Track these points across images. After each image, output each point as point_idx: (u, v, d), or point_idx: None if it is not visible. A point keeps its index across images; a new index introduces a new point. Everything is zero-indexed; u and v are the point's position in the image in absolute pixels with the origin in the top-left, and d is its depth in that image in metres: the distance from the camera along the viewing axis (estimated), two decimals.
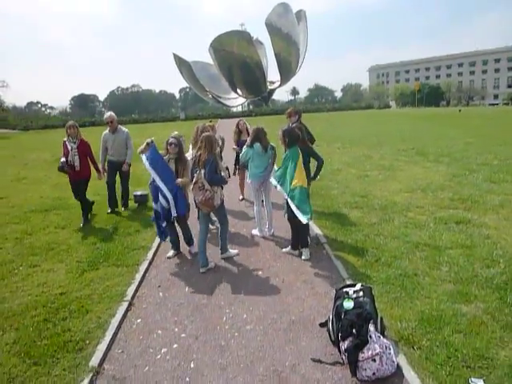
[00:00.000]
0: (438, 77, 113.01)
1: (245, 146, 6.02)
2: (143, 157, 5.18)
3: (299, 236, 5.44)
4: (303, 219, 4.93)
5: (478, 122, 27.44)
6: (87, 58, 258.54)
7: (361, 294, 3.37)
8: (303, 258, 5.29)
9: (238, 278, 4.89)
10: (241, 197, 8.70)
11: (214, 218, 6.99)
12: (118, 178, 8.04)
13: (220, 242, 5.49)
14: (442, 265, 4.83)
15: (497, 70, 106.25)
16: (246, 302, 4.29)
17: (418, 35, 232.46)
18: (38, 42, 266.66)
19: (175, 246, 5.70)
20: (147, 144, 5.18)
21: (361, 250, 5.37)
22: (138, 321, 4.05)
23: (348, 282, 4.44)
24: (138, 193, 8.29)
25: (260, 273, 5.00)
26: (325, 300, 4.22)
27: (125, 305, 4.29)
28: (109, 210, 7.82)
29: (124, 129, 7.99)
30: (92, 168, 7.35)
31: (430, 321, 3.65)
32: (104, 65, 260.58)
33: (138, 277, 4.95)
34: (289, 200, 5.11)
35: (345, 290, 3.47)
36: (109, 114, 7.97)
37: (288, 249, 5.55)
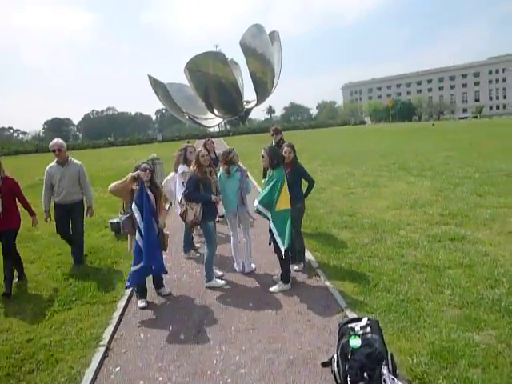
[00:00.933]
0: (408, 93, 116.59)
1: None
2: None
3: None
4: (282, 247, 4.65)
5: (451, 136, 28.02)
6: (62, 82, 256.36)
7: (368, 329, 3.01)
8: (271, 289, 4.90)
9: (227, 311, 4.46)
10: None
11: (197, 245, 6.60)
12: None
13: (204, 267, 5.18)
14: (443, 287, 4.54)
15: (464, 85, 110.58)
16: (237, 341, 3.86)
17: (389, 53, 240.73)
18: (13, 66, 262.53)
19: (144, 293, 4.86)
20: (133, 179, 4.55)
21: (356, 275, 5.04)
22: (117, 369, 3.57)
23: (347, 312, 4.12)
24: (115, 220, 7.79)
25: (251, 304, 4.59)
26: (324, 334, 3.84)
27: (101, 350, 3.80)
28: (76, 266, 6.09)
29: (76, 161, 6.29)
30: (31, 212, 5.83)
31: (442, 354, 3.32)
32: (79, 88, 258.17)
33: (116, 316, 4.46)
34: (271, 225, 4.79)
35: (350, 325, 3.11)
36: (55, 140, 6.19)
37: (276, 287, 4.93)
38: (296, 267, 5.36)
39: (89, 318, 4.46)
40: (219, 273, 5.57)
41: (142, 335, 4.10)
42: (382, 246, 6.01)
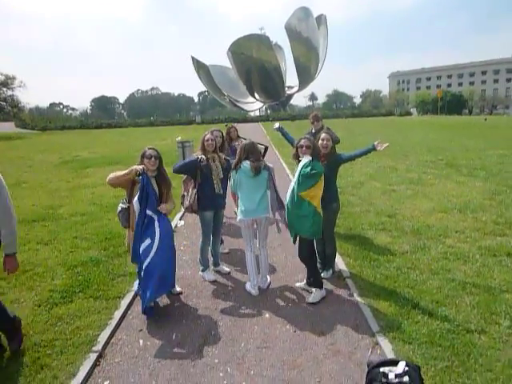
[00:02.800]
0: (460, 84, 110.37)
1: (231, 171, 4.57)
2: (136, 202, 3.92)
3: (321, 270, 4.49)
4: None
5: (506, 133, 25.89)
6: (110, 61, 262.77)
7: (406, 379, 2.35)
8: (309, 300, 4.25)
9: (237, 324, 3.90)
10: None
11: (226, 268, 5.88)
12: None
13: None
14: (499, 316, 3.77)
15: None
16: (246, 361, 3.31)
17: (443, 42, 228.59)
18: (64, 45, 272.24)
19: None
20: (137, 173, 3.88)
21: (393, 290, 4.34)
22: (106, 383, 3.12)
23: (379, 338, 3.45)
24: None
25: (267, 316, 4.02)
26: (349, 364, 3.21)
27: (92, 358, 3.36)
28: None
29: None
30: None
31: None
32: (125, 68, 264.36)
33: (118, 315, 4.02)
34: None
35: (382, 369, 2.46)
36: None
37: (314, 295, 4.32)
38: (324, 274, 4.72)
39: (88, 314, 4.04)
40: (226, 269, 5.10)
41: (141, 342, 3.64)
42: (425, 257, 5.23)
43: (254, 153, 4.36)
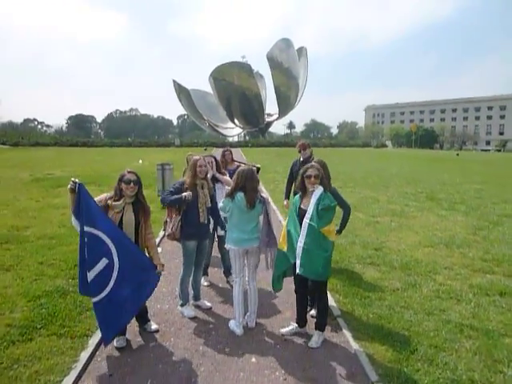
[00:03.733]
0: (432, 120, 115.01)
1: (223, 196, 4.20)
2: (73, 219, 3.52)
3: (310, 309, 4.14)
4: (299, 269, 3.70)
5: (478, 168, 26.74)
6: (88, 80, 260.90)
7: None
8: (311, 344, 3.86)
9: (220, 369, 3.48)
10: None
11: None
12: None
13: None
14: (502, 364, 3.52)
15: (489, 117, 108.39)
16: None
17: (416, 78, 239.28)
18: (43, 62, 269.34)
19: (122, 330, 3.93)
20: (71, 189, 3.40)
21: (388, 333, 4.04)
22: None
23: None
24: None
25: (253, 360, 3.63)
26: None
27: None
28: None
29: None
30: None
31: None
32: (104, 87, 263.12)
33: (84, 357, 3.54)
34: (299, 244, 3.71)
35: None
36: None
37: (289, 328, 4.11)
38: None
39: (50, 356, 3.55)
40: (208, 304, 4.70)
41: None
42: (417, 294, 4.99)
43: (252, 181, 4.00)
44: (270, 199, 4.43)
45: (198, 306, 4.69)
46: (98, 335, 3.89)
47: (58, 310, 4.35)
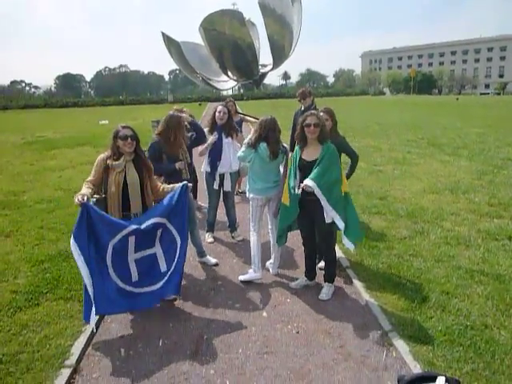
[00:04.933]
0: (430, 65, 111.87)
1: (244, 144, 4.07)
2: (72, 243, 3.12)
3: (319, 261, 4.07)
4: (349, 243, 3.63)
5: (479, 112, 26.25)
6: (72, 36, 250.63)
7: None
8: (321, 296, 3.82)
9: (232, 325, 3.46)
10: (238, 189, 7.29)
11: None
12: None
13: None
14: None
15: (489, 59, 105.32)
16: (246, 372, 2.88)
17: (414, 20, 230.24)
18: (27, 19, 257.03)
19: None
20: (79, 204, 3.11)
21: (398, 281, 4.00)
22: None
23: (394, 340, 3.09)
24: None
25: (265, 315, 3.60)
26: (363, 370, 2.84)
27: (66, 374, 2.85)
28: None
29: None
30: None
31: None
32: (90, 43, 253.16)
33: (94, 319, 3.50)
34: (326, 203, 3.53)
35: None
36: None
37: (298, 281, 4.09)
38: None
39: (59, 320, 3.50)
40: (213, 260, 4.66)
41: (122, 351, 3.15)
42: (425, 242, 4.93)
43: (275, 131, 3.92)
44: None
45: (203, 263, 4.64)
46: None
47: (63, 274, 4.28)
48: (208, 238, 5.28)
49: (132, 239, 3.34)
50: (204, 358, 3.04)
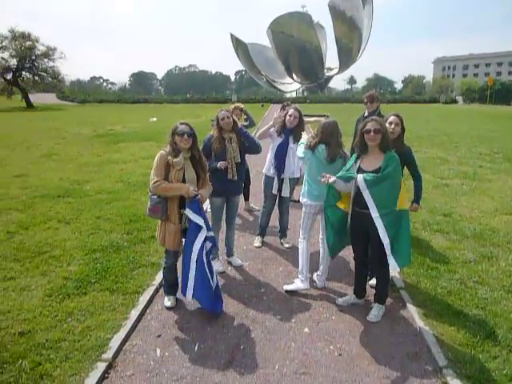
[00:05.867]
0: (510, 73, 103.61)
1: (304, 144, 3.95)
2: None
3: (370, 278, 3.78)
4: (394, 265, 3.27)
5: None
6: (147, 36, 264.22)
7: None
8: (370, 318, 3.54)
9: (271, 338, 3.29)
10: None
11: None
12: None
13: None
14: None
15: None
16: None
17: (494, 24, 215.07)
18: (101, 18, 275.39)
19: (174, 287, 3.85)
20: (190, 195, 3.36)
21: (459, 311, 3.60)
22: None
23: (448, 378, 2.75)
24: None
25: (306, 330, 3.40)
26: None
27: (101, 367, 2.86)
28: None
29: None
30: None
31: None
32: (164, 43, 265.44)
33: (134, 315, 3.51)
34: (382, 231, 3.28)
35: None
36: None
37: (346, 298, 3.84)
38: (373, 281, 4.02)
39: (102, 311, 3.56)
40: (239, 261, 4.60)
41: (158, 352, 3.11)
42: (494, 268, 4.43)
43: (336, 136, 3.80)
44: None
45: (229, 263, 4.61)
46: (148, 293, 3.86)
47: (112, 266, 4.37)
48: (256, 241, 5.16)
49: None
50: (238, 370, 2.91)
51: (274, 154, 4.81)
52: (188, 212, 3.40)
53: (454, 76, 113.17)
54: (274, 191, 4.91)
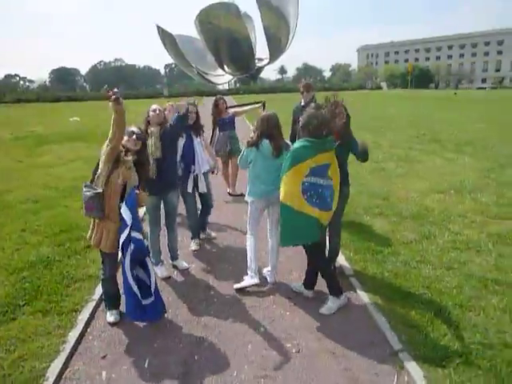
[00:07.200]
0: (427, 59, 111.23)
1: (243, 145, 3.90)
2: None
3: (318, 273, 3.74)
4: None
5: (479, 106, 25.98)
6: (70, 30, 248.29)
7: None
8: (321, 310, 3.49)
9: (226, 342, 3.14)
10: (228, 190, 6.98)
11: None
12: None
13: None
14: None
15: (486, 54, 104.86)
16: None
17: (412, 16, 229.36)
18: (23, 12, 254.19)
19: (116, 301, 3.53)
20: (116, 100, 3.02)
21: (407, 292, 3.69)
22: None
23: (405, 362, 2.78)
24: None
25: (262, 330, 3.28)
26: None
27: None
28: None
29: None
30: None
31: None
32: (87, 38, 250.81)
33: (74, 336, 3.17)
34: None
35: None
36: None
37: (297, 284, 3.82)
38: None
39: (35, 337, 3.17)
40: (185, 264, 4.40)
41: (104, 374, 2.82)
42: (433, 247, 4.63)
43: (277, 127, 3.66)
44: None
45: (175, 266, 4.39)
46: (88, 310, 3.52)
47: (43, 284, 3.94)
48: (192, 245, 4.90)
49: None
50: (195, 383, 2.72)
51: (181, 155, 4.53)
52: (122, 206, 3.11)
53: (377, 63, 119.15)
54: (190, 190, 4.67)
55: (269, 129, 3.63)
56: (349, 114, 3.73)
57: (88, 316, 3.45)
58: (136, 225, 3.12)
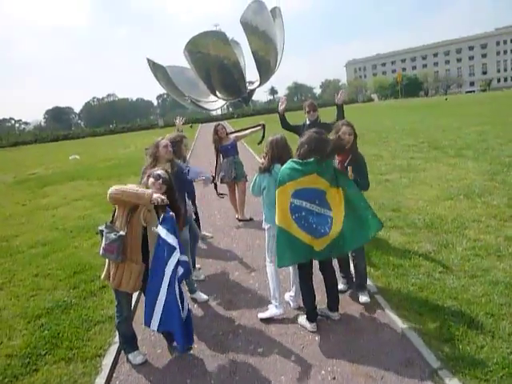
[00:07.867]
0: (414, 68, 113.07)
1: (256, 172, 3.76)
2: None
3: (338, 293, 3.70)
4: None
5: (472, 110, 26.19)
6: (59, 71, 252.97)
7: None
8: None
9: (257, 374, 3.02)
10: (237, 215, 6.91)
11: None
12: None
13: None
14: None
15: (471, 58, 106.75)
16: None
17: (393, 25, 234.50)
18: (12, 57, 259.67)
19: (134, 341, 3.43)
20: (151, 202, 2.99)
21: (435, 305, 3.61)
22: None
23: (447, 380, 2.68)
24: None
25: (292, 358, 3.18)
26: None
27: None
28: None
29: None
30: None
31: None
32: (78, 76, 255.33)
33: (100, 383, 3.07)
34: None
35: None
36: None
37: (322, 308, 3.71)
38: (361, 298, 3.83)
39: None
40: (204, 296, 4.30)
41: None
42: (453, 255, 4.56)
43: (287, 149, 3.62)
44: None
45: (194, 300, 4.28)
46: (111, 354, 3.43)
47: (63, 330, 3.85)
48: (201, 274, 4.84)
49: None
50: None
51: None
52: (159, 229, 3.05)
53: (365, 76, 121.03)
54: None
55: (278, 152, 3.60)
56: (356, 132, 3.73)
57: (112, 360, 3.35)
58: (182, 248, 3.15)
